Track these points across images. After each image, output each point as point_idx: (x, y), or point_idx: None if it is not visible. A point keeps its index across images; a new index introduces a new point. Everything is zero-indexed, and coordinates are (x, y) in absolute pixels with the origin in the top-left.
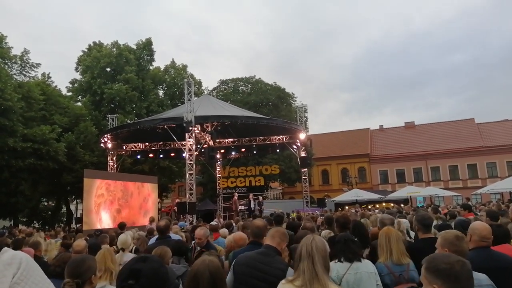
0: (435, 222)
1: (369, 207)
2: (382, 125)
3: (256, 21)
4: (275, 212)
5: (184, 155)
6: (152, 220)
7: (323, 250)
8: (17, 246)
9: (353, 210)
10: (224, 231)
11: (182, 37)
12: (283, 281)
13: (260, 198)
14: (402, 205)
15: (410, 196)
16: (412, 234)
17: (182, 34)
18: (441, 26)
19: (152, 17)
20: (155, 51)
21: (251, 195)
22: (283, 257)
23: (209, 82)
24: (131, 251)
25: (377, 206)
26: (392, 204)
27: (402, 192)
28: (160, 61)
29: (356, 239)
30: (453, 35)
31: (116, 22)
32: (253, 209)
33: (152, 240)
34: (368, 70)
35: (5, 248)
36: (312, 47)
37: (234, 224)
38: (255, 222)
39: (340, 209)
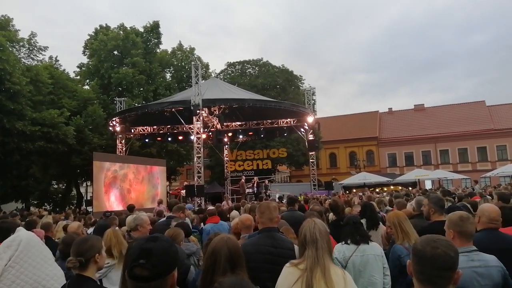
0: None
1: (377, 190)
2: (391, 108)
3: (273, 1)
4: (283, 195)
5: (191, 138)
6: (160, 202)
7: (326, 234)
8: (30, 227)
9: (360, 193)
10: (235, 213)
11: (196, 19)
12: (287, 264)
13: (266, 181)
14: (410, 188)
15: (419, 179)
16: None
17: (196, 16)
18: (463, 4)
19: None
20: (162, 34)
21: (255, 178)
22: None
23: (222, 65)
24: None
25: (385, 189)
26: (400, 187)
27: (411, 175)
28: (171, 44)
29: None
30: (475, 14)
31: (130, 3)
32: (254, 192)
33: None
34: (385, 52)
35: (19, 228)
36: (329, 29)
37: (241, 207)
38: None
39: (347, 192)
